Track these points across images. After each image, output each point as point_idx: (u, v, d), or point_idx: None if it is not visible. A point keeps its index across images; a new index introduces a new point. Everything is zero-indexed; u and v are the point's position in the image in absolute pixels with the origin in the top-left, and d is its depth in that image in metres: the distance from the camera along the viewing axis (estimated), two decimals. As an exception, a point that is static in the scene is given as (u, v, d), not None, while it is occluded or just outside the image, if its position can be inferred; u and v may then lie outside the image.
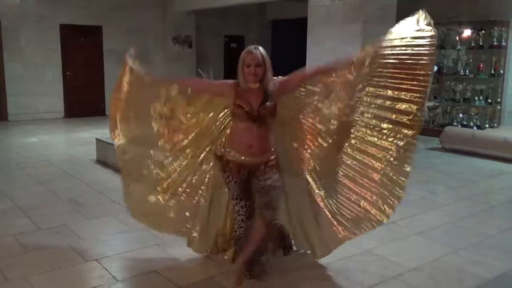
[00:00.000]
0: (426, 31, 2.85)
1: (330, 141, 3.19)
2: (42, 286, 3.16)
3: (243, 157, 3.02)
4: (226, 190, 3.26)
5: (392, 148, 3.02)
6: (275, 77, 3.07)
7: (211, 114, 3.30)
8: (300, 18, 9.67)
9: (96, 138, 7.04)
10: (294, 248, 3.59)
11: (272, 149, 3.09)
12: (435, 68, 9.54)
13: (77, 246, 3.82)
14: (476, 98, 9.21)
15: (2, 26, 10.46)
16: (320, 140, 3.23)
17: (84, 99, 11.45)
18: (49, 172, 6.30)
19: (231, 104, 3.00)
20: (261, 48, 2.95)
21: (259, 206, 3.04)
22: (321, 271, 3.41)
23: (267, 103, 2.94)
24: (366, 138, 3.11)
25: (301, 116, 3.27)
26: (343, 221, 3.27)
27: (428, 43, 2.83)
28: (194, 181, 3.41)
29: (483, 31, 9.00)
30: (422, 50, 2.84)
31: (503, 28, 8.91)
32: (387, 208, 3.09)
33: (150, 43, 12.26)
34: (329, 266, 3.47)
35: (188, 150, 3.36)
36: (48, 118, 11.18)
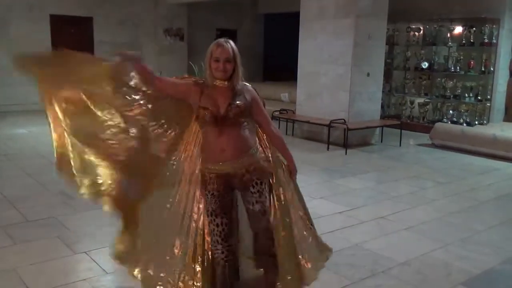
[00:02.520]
0: None
1: None
2: (31, 278, 3.14)
3: (218, 165, 2.64)
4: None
5: None
6: (246, 83, 2.78)
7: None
8: (292, 12, 9.66)
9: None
10: None
11: (252, 152, 2.68)
12: (426, 64, 9.63)
13: (66, 238, 3.81)
14: (466, 95, 9.27)
15: (-9, 15, 10.32)
16: None
17: (74, 90, 11.35)
18: (38, 164, 6.23)
19: (196, 106, 2.63)
20: (231, 42, 2.65)
21: (254, 236, 2.79)
22: (310, 265, 3.42)
23: (238, 102, 2.62)
24: None
25: None
26: None
27: None
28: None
29: (474, 28, 9.05)
30: None
31: (494, 26, 8.96)
32: None
33: (142, 35, 12.17)
34: (319, 260, 3.48)
35: None
36: (38, 110, 10.96)
